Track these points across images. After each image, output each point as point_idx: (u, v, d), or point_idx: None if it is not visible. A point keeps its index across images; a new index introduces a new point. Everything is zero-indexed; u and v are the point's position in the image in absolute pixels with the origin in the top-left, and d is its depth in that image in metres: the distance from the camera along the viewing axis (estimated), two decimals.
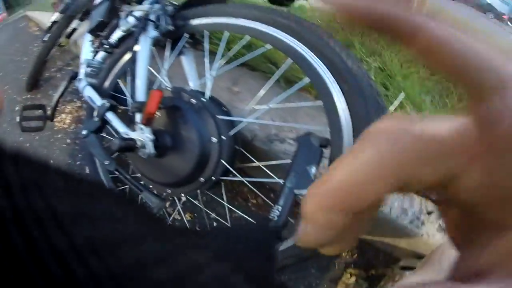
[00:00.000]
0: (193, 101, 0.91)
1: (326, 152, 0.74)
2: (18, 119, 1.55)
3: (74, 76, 1.43)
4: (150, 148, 0.90)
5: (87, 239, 0.17)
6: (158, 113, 0.94)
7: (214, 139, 0.87)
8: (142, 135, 0.91)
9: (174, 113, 0.92)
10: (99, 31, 1.48)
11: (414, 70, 1.63)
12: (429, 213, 1.06)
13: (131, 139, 0.92)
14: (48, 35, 2.17)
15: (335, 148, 0.74)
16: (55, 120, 1.74)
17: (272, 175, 0.86)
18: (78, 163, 1.61)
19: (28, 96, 2.33)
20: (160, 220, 0.39)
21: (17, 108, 2.27)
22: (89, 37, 1.52)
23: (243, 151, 0.94)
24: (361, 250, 1.18)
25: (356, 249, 1.18)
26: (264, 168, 0.88)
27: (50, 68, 2.45)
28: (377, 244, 1.17)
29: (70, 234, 0.16)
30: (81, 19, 2.11)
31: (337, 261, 1.16)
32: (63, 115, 1.89)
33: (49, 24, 2.27)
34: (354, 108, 0.71)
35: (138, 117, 0.92)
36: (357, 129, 0.71)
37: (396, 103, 0.81)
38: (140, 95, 0.96)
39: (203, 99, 0.92)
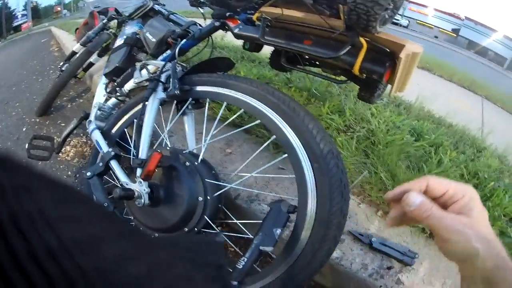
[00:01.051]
0: (187, 163, 1.08)
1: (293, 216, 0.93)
2: (26, 146, 1.73)
3: (85, 117, 1.61)
4: (145, 199, 1.07)
5: (74, 238, 0.20)
6: (156, 169, 1.12)
7: (200, 198, 1.04)
8: (140, 188, 1.08)
9: (170, 172, 1.09)
10: (114, 76, 1.67)
11: (399, 136, 1.78)
12: (389, 268, 1.20)
13: (130, 190, 1.08)
14: (67, 65, 2.36)
15: (300, 215, 0.91)
16: None
17: (246, 231, 1.04)
18: None
19: (38, 120, 2.50)
20: (128, 223, 0.49)
21: (24, 128, 2.45)
22: (104, 80, 1.70)
23: (225, 209, 1.11)
24: None
25: None
26: (240, 225, 1.05)
27: (63, 96, 2.65)
28: None
29: (59, 234, 0.19)
30: (100, 55, 2.32)
31: None
32: (68, 148, 2.05)
33: (69, 52, 2.46)
34: (320, 184, 0.89)
35: (138, 171, 1.09)
36: (320, 202, 0.89)
37: (359, 179, 0.99)
38: (143, 152, 1.13)
39: (196, 162, 1.09)
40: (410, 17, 36.02)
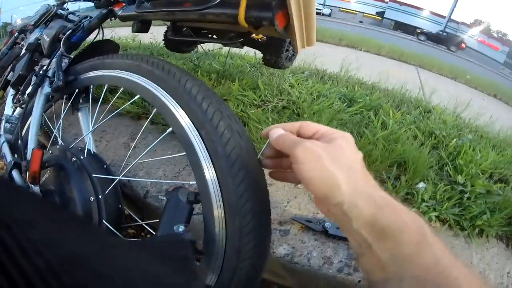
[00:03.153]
0: (73, 159, 0.98)
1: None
2: None
3: None
4: None
5: (58, 260, 0.24)
6: (48, 171, 1.03)
7: (92, 198, 0.90)
8: None
9: (59, 172, 0.99)
10: (19, 85, 1.58)
11: (328, 104, 1.68)
12: None
13: None
14: None
15: (205, 203, 0.71)
16: None
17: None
18: None
19: None
20: (106, 235, 0.54)
21: None
22: (11, 91, 1.62)
23: (126, 209, 0.98)
24: None
25: None
26: (147, 227, 0.92)
27: None
28: None
29: (46, 257, 0.23)
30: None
31: None
32: None
33: None
34: (214, 156, 0.70)
35: (27, 175, 1.01)
36: (221, 181, 0.68)
37: (267, 143, 0.83)
38: (29, 153, 1.05)
39: (82, 157, 0.98)
40: (332, 6, 36.01)
